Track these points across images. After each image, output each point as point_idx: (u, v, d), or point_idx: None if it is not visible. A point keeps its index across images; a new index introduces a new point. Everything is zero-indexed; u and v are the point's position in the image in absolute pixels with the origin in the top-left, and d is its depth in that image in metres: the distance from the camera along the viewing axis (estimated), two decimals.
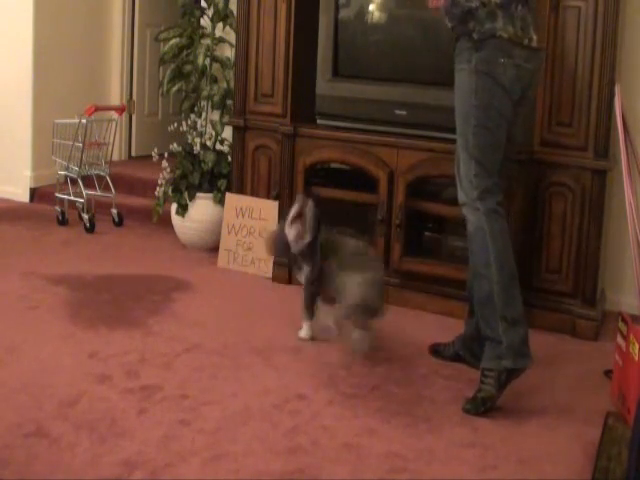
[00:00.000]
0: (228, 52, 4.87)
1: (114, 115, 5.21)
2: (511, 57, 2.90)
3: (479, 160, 2.91)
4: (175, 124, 4.74)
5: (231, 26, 4.71)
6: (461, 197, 2.96)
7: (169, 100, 6.13)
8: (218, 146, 4.69)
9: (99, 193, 5.13)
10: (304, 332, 3.40)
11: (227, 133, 4.64)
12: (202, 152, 4.58)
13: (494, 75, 2.88)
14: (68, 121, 5.04)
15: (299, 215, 3.35)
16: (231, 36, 4.69)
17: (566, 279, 3.63)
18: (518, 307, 2.89)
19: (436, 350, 3.29)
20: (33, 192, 5.63)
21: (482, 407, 2.81)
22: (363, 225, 4.00)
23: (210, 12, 4.80)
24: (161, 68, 5.48)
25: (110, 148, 5.18)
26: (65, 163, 5.02)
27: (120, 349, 3.19)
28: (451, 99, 3.78)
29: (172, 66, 4.95)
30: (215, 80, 4.81)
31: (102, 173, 5.11)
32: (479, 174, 2.90)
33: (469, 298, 3.15)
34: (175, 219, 4.67)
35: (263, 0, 4.19)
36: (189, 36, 4.89)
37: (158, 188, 4.67)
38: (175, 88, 4.94)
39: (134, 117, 6.27)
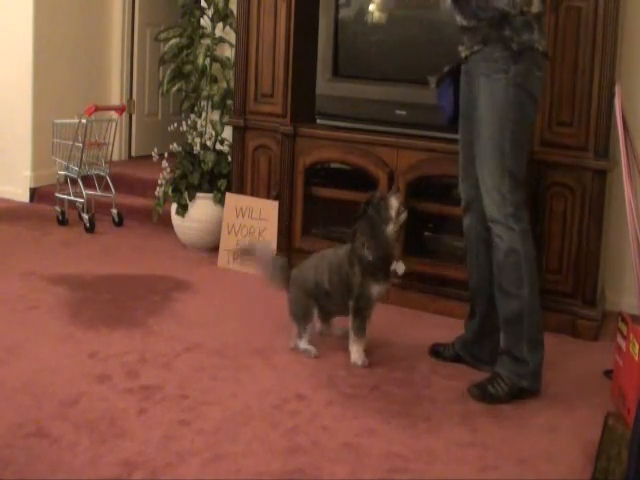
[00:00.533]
0: (228, 52, 4.87)
1: (114, 115, 5.21)
2: (542, 70, 2.91)
3: (514, 174, 2.87)
4: (175, 124, 4.73)
5: (231, 26, 4.71)
6: (491, 212, 2.90)
7: (169, 100, 6.13)
8: (218, 146, 4.69)
9: (99, 193, 5.13)
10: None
11: (227, 133, 4.64)
12: (202, 152, 4.58)
13: (529, 88, 2.86)
14: (68, 121, 5.04)
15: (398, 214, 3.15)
16: (231, 36, 4.69)
17: (566, 279, 3.63)
18: (541, 328, 2.95)
19: (436, 351, 3.29)
20: (33, 192, 5.63)
21: (486, 400, 2.86)
22: None
23: (210, 12, 4.80)
24: (161, 68, 5.48)
25: (110, 148, 5.17)
26: (65, 163, 5.02)
27: (120, 349, 3.19)
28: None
29: (172, 66, 4.95)
30: (215, 80, 4.81)
31: (102, 173, 5.11)
32: (513, 189, 2.86)
33: (471, 299, 3.15)
34: (175, 219, 4.67)
35: (263, 0, 4.20)
36: (189, 36, 4.89)
37: (158, 188, 4.67)
38: (175, 88, 4.94)
39: (134, 117, 6.26)
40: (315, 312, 3.27)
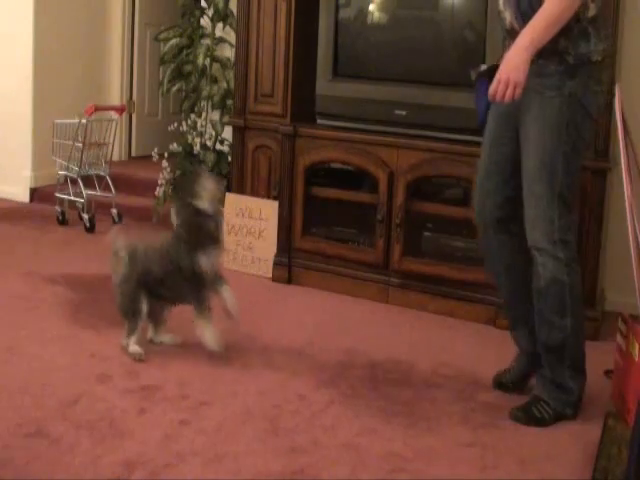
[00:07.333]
0: (228, 52, 4.87)
1: (114, 115, 5.21)
2: (601, 84, 2.65)
3: (564, 198, 2.64)
4: (175, 124, 4.74)
5: (231, 26, 4.72)
6: (536, 239, 2.67)
7: (169, 100, 6.13)
8: (218, 146, 4.69)
9: (99, 193, 5.12)
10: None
11: (227, 133, 4.64)
12: (202, 152, 4.59)
13: (586, 106, 2.61)
14: (68, 121, 5.04)
15: None
16: (231, 36, 4.70)
17: None
18: (584, 355, 2.78)
19: (500, 382, 2.99)
20: (33, 192, 5.63)
21: (532, 423, 2.72)
22: (363, 225, 4.00)
23: (210, 12, 4.81)
24: (161, 68, 5.48)
25: (110, 148, 5.18)
26: (65, 163, 5.02)
27: (120, 349, 3.19)
28: (450, 99, 3.78)
29: (172, 66, 4.96)
30: (215, 80, 4.81)
31: (102, 173, 5.11)
32: (563, 214, 2.65)
33: (508, 310, 3.00)
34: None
35: (263, 0, 4.20)
36: (189, 36, 4.90)
37: (158, 188, 4.68)
38: (175, 88, 4.95)
39: (134, 117, 6.27)
40: (145, 306, 3.14)
